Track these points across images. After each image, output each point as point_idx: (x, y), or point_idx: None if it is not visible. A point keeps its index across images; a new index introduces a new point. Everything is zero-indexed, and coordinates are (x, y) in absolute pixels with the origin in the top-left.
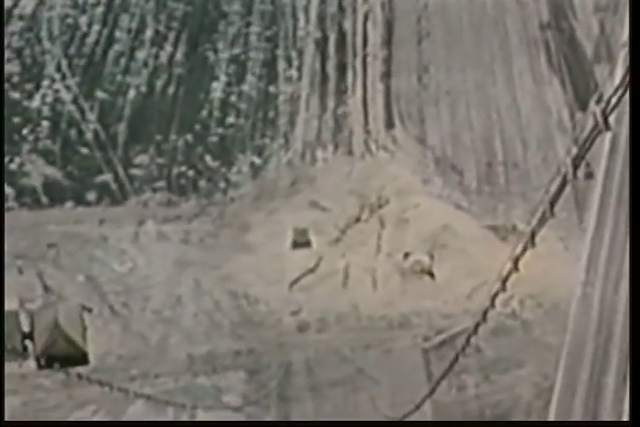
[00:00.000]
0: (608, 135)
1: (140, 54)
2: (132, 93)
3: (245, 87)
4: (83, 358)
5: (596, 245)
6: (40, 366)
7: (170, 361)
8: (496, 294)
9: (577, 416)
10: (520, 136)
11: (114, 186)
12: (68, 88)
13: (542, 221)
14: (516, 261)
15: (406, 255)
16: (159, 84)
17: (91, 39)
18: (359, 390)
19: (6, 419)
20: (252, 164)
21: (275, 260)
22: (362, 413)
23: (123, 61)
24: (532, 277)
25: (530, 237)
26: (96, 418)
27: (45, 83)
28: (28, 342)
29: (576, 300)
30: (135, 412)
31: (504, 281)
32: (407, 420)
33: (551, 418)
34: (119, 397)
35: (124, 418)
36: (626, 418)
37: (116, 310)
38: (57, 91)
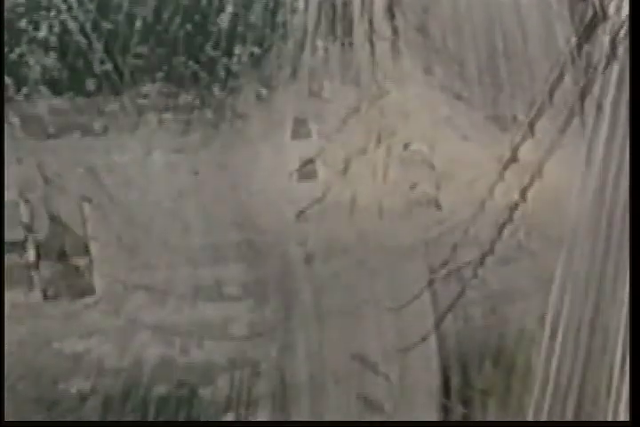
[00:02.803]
0: (608, 23)
1: None
2: (138, 24)
3: (252, 17)
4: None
5: (594, 140)
6: (39, 257)
7: (170, 253)
8: (494, 186)
9: (582, 348)
10: (520, 27)
11: (114, 76)
12: (74, 18)
13: (541, 112)
14: (514, 151)
15: (406, 146)
16: (165, 15)
17: None
18: (364, 319)
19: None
20: (252, 54)
21: (275, 150)
22: (366, 341)
23: None
24: (538, 209)
25: (528, 127)
26: (96, 308)
27: (52, 13)
28: (28, 234)
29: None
30: (136, 303)
31: (502, 171)
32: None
33: (557, 350)
34: (119, 288)
35: (125, 308)
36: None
37: (116, 201)
38: (63, 21)
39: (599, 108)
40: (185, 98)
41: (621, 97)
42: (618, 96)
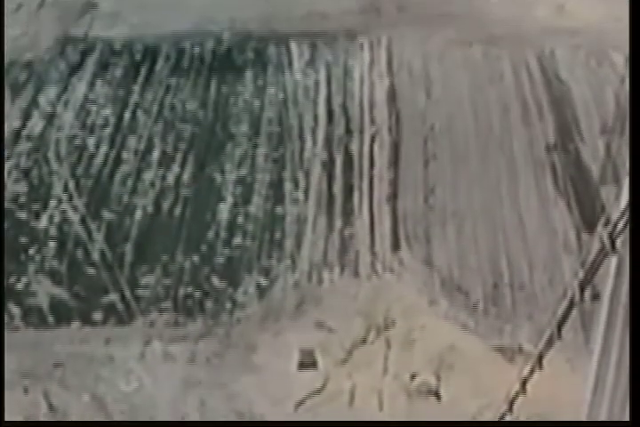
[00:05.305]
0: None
1: (147, 175)
2: (138, 214)
3: (252, 208)
4: None
5: (603, 367)
6: None
7: None
8: (503, 416)
9: None
10: (526, 257)
11: (120, 306)
12: (75, 208)
13: (550, 344)
14: (523, 383)
15: (413, 377)
16: (166, 204)
17: (98, 160)
18: None
19: None
20: (259, 285)
21: (281, 380)
22: None
23: (130, 182)
24: (538, 399)
25: (537, 360)
26: None
27: (52, 203)
28: None
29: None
30: None
31: (511, 403)
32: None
33: None
34: None
35: None
36: None
37: None
38: (64, 211)
39: (606, 338)
40: (191, 327)
41: (628, 328)
42: (625, 328)
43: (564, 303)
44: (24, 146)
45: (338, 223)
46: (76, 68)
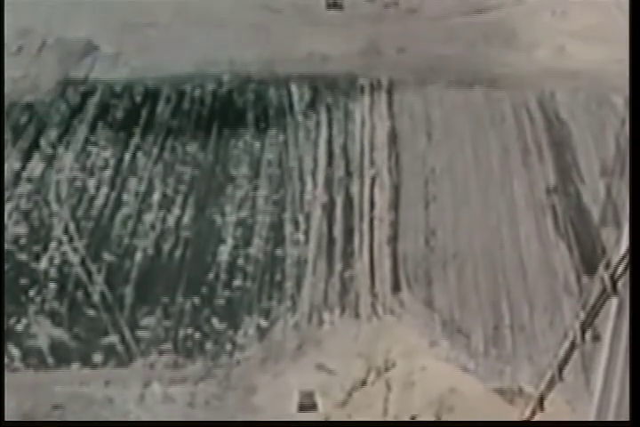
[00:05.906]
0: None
1: (148, 217)
2: (139, 256)
3: (252, 250)
4: None
5: (604, 408)
6: None
7: None
8: None
9: None
10: (527, 299)
11: (120, 348)
12: (75, 250)
13: (551, 386)
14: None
15: (413, 419)
16: (166, 246)
17: (99, 202)
18: None
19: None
20: (259, 326)
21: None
22: None
23: (130, 224)
24: None
25: (538, 401)
26: None
27: (53, 245)
28: None
29: None
30: None
31: None
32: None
33: None
34: None
35: None
36: None
37: None
38: (64, 253)
39: (606, 380)
40: (191, 369)
41: (629, 370)
42: (625, 369)
43: (565, 345)
44: (24, 188)
45: (338, 265)
46: (76, 110)
